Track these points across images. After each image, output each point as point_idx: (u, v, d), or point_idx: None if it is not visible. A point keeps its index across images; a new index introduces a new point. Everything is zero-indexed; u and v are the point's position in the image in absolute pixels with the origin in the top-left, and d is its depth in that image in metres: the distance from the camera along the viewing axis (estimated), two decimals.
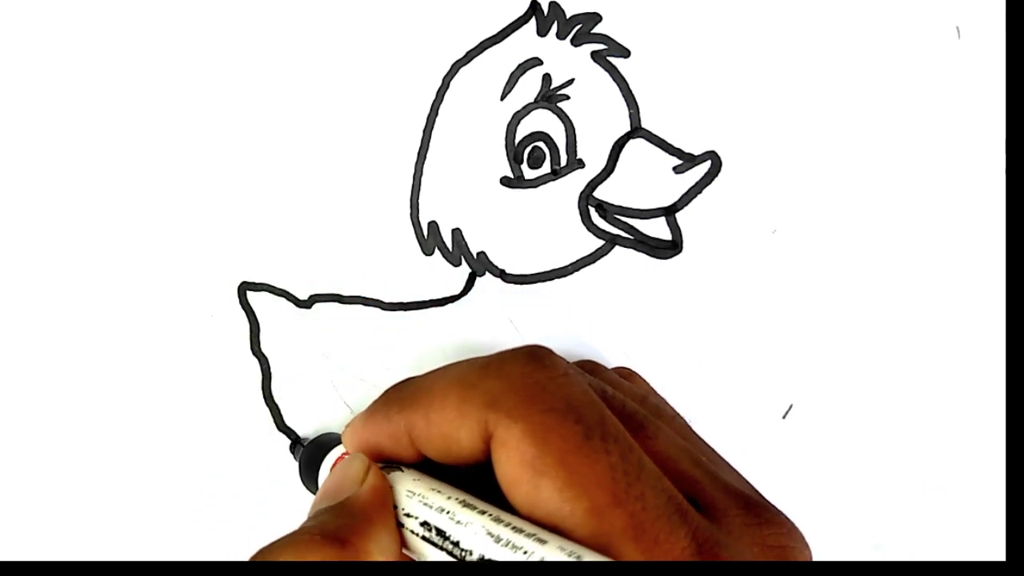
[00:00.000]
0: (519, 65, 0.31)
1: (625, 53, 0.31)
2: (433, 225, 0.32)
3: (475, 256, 0.32)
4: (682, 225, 0.31)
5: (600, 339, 0.32)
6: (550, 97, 0.31)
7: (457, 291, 0.32)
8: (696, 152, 0.31)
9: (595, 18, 0.31)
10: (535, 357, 0.22)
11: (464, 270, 0.32)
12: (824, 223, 0.31)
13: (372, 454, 0.24)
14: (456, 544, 0.20)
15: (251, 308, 0.33)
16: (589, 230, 0.32)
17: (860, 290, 0.31)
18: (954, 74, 0.31)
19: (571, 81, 0.31)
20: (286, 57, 0.32)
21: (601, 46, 0.31)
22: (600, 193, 0.32)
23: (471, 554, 0.20)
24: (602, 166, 0.31)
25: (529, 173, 0.32)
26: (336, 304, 0.33)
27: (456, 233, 0.32)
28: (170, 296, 0.33)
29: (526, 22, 0.31)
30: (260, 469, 0.33)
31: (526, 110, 0.31)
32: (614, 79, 0.31)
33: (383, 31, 0.32)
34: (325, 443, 0.30)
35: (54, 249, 0.33)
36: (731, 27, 0.31)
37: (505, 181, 0.32)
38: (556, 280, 0.32)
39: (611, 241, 0.32)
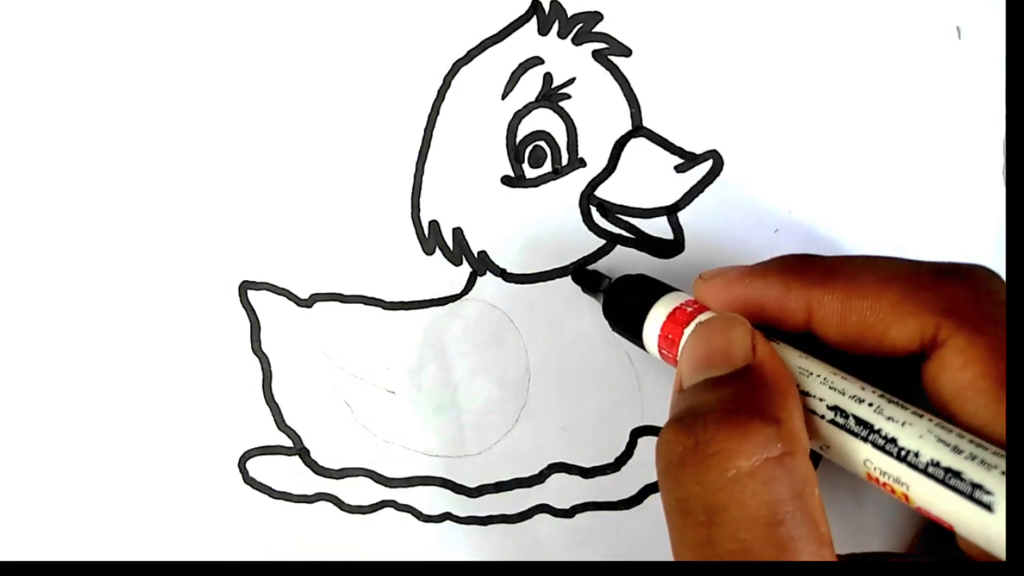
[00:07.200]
0: (520, 64, 0.31)
1: (626, 52, 0.31)
2: (434, 224, 0.32)
3: (476, 255, 0.32)
4: (684, 224, 0.31)
5: (601, 338, 0.32)
6: (551, 96, 0.31)
7: (458, 290, 0.32)
8: (698, 151, 0.31)
9: (596, 17, 0.31)
10: (990, 274, 0.22)
11: (465, 269, 0.32)
12: (825, 222, 0.31)
13: (746, 316, 0.24)
14: (892, 441, 0.20)
15: (252, 307, 0.33)
16: (590, 229, 0.32)
17: None
18: (954, 74, 0.31)
19: (572, 80, 0.31)
20: (286, 57, 0.32)
21: (602, 45, 0.31)
22: (601, 192, 0.31)
23: (917, 456, 0.19)
24: (603, 165, 0.31)
25: (530, 172, 0.32)
26: (337, 303, 0.33)
27: (457, 232, 0.32)
28: (170, 296, 0.32)
29: (527, 21, 0.31)
30: (260, 469, 0.33)
31: (527, 109, 0.31)
32: (615, 78, 0.31)
33: (383, 31, 0.32)
34: (641, 285, 0.28)
35: (54, 249, 0.32)
36: (732, 27, 0.31)
37: (506, 180, 0.32)
38: (557, 280, 0.32)
39: (612, 240, 0.32)
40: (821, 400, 0.22)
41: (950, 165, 0.31)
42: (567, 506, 0.33)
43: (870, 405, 0.21)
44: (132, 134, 0.32)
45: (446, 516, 0.33)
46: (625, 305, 0.28)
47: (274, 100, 0.32)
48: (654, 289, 0.27)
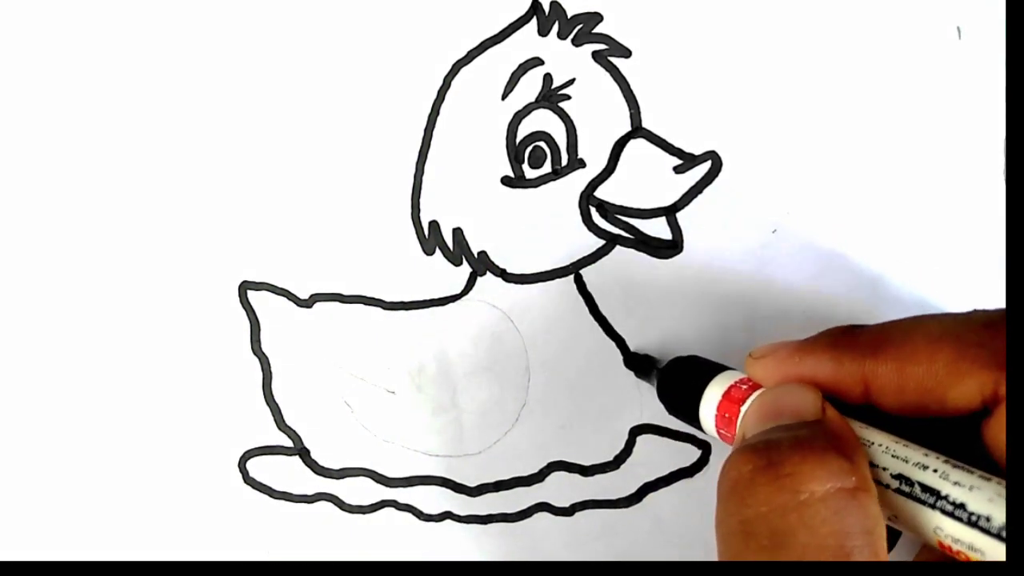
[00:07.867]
0: (520, 65, 0.31)
1: (626, 53, 0.31)
2: (434, 224, 0.32)
3: (476, 255, 0.32)
4: (682, 225, 0.31)
5: (600, 339, 0.32)
6: (551, 97, 0.31)
7: (458, 290, 0.32)
8: (696, 152, 0.31)
9: (596, 18, 0.31)
10: None
11: (465, 269, 0.32)
12: (824, 223, 0.31)
13: None
14: (961, 507, 0.19)
15: (251, 308, 0.33)
16: (590, 230, 0.32)
17: (861, 290, 0.31)
18: (954, 74, 0.31)
19: (572, 81, 0.31)
20: (287, 57, 0.32)
21: (602, 46, 0.31)
22: (601, 193, 0.32)
23: (988, 520, 0.19)
24: (603, 166, 0.31)
25: (530, 173, 0.32)
26: (337, 303, 0.33)
27: (457, 232, 0.32)
28: (170, 296, 0.33)
29: (527, 22, 0.31)
30: (260, 469, 0.33)
31: (527, 110, 0.31)
32: (615, 79, 0.31)
33: (383, 31, 0.32)
34: (693, 366, 0.28)
35: (55, 249, 0.32)
36: (732, 27, 0.31)
37: (506, 181, 0.32)
38: (557, 280, 0.32)
39: (612, 241, 0.32)
40: (885, 469, 0.21)
41: (950, 165, 0.31)
42: (566, 504, 0.33)
43: (935, 471, 0.20)
44: (132, 135, 0.32)
45: (446, 515, 0.33)
46: (679, 387, 0.28)
47: (274, 100, 0.32)
48: (707, 369, 0.27)
